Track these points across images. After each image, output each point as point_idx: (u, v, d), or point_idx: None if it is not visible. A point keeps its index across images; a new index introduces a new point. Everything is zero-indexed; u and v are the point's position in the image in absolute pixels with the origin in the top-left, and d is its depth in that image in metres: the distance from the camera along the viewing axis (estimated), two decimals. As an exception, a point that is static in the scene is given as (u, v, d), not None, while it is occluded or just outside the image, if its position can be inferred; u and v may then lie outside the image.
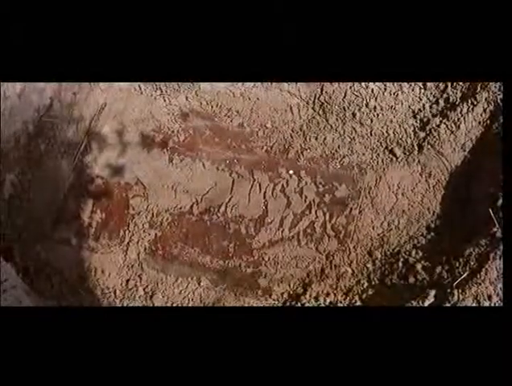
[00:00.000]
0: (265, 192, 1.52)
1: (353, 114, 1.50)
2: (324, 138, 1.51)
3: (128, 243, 1.50)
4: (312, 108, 1.53)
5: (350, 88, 1.47)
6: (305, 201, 1.49)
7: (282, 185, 1.51)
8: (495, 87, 1.36)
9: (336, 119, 1.51)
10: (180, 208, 1.53)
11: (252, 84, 1.49)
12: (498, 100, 1.36)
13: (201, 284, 1.44)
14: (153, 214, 1.56)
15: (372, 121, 1.48)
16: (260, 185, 1.52)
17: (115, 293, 1.46)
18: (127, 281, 1.47)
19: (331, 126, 1.51)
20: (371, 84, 1.46)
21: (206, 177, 1.54)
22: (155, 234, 1.52)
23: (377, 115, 1.48)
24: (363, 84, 1.46)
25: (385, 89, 1.46)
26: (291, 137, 1.53)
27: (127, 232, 1.51)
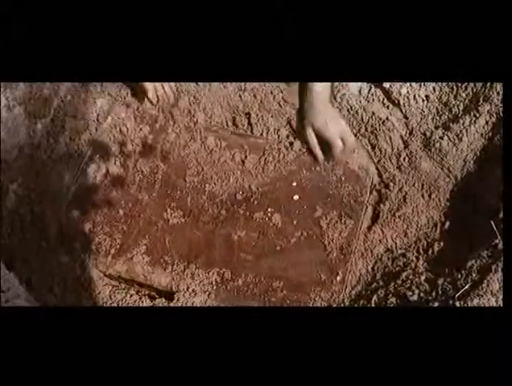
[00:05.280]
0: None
1: (359, 126, 1.52)
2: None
3: (132, 257, 1.50)
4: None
5: (356, 99, 1.48)
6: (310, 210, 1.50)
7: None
8: (497, 99, 1.39)
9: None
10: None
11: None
12: (500, 113, 1.39)
13: (210, 296, 1.43)
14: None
15: (377, 131, 1.50)
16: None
17: (118, 304, 1.45)
18: (131, 294, 1.46)
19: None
20: (375, 98, 1.48)
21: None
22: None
23: (381, 126, 1.50)
24: (369, 97, 1.48)
25: (389, 102, 1.49)
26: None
27: (131, 244, 1.51)
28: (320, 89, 1.20)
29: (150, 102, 1.54)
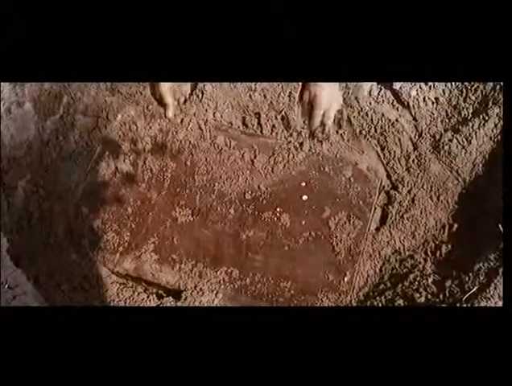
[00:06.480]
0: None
1: (369, 127, 1.51)
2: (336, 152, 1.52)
3: (140, 255, 1.50)
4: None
5: (366, 101, 1.48)
6: (319, 211, 1.50)
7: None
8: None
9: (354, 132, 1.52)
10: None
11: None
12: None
13: (218, 295, 1.43)
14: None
15: (386, 133, 1.50)
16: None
17: (125, 302, 1.45)
18: (139, 292, 1.47)
19: (348, 140, 1.53)
20: (385, 100, 1.48)
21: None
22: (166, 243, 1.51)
23: (391, 128, 1.50)
24: (379, 99, 1.48)
25: (399, 104, 1.50)
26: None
27: (139, 242, 1.51)
28: None
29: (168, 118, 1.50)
